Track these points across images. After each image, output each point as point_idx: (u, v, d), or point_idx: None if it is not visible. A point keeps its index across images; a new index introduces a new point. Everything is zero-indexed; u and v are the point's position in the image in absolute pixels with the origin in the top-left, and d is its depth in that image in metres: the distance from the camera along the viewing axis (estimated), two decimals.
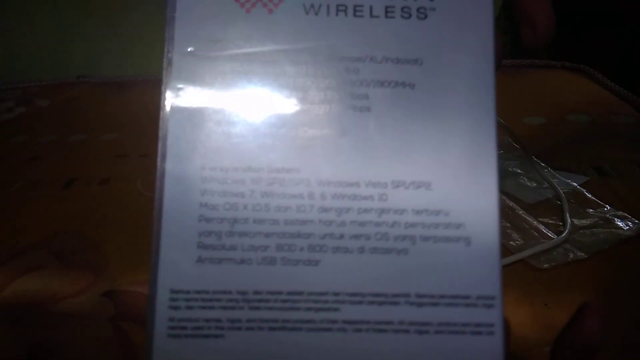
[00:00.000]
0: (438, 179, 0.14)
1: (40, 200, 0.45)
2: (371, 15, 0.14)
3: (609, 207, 0.35)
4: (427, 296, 0.13)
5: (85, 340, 0.28)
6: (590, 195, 0.37)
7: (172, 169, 0.13)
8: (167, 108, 0.13)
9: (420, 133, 0.14)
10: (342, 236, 0.13)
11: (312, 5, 0.14)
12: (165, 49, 0.13)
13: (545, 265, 0.30)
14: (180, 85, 0.13)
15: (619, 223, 0.33)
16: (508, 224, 0.34)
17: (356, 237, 0.13)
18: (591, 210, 0.35)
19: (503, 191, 0.38)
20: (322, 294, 0.13)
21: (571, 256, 0.31)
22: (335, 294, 0.13)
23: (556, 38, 0.22)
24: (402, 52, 0.14)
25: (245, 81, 0.14)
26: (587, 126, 0.51)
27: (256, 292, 0.13)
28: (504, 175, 0.41)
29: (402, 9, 0.14)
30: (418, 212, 0.13)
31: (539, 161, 0.41)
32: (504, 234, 0.33)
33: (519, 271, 0.30)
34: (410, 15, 0.14)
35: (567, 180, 0.39)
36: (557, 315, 0.27)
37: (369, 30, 0.14)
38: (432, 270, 0.13)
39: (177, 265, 0.14)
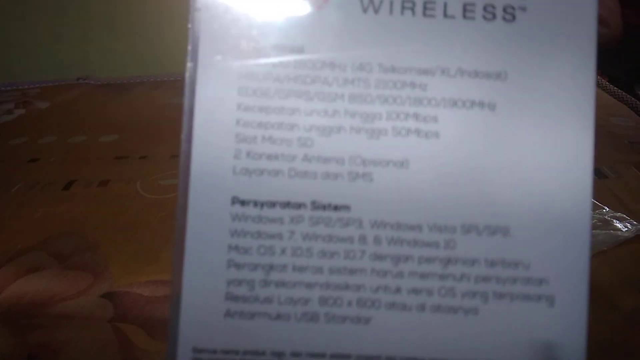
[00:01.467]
0: (518, 224, 0.11)
1: (39, 202, 0.45)
2: (445, 15, 0.11)
3: (607, 209, 0.35)
4: None
5: (85, 341, 0.28)
6: None
7: (195, 202, 0.11)
8: (192, 127, 0.11)
9: (499, 166, 0.11)
10: (398, 290, 0.11)
11: (371, 0, 0.11)
12: (189, 53, 0.11)
13: None
14: (205, 102, 0.11)
15: (618, 224, 0.33)
16: None
17: (416, 291, 0.11)
18: None
19: None
20: (373, 357, 0.11)
21: None
22: (389, 359, 0.11)
23: None
24: (482, 64, 0.11)
25: (284, 97, 0.11)
26: None
27: (294, 354, 0.11)
28: None
29: (485, 7, 0.11)
30: (492, 264, 0.11)
31: None
32: None
33: None
34: (494, 16, 0.11)
35: None
36: None
37: (441, 35, 0.11)
38: (507, 334, 0.11)
39: (201, 320, 0.11)
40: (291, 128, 0.11)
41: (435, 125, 0.11)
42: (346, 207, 0.11)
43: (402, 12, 0.11)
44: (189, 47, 0.11)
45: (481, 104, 0.11)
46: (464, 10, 0.11)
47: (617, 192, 0.38)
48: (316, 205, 0.11)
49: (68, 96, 0.85)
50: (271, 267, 0.11)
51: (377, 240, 0.11)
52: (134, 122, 0.67)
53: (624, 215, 0.34)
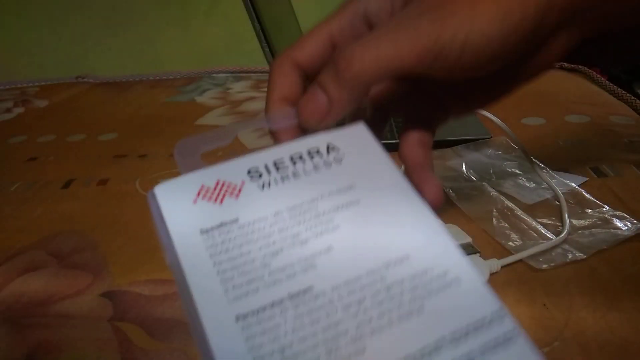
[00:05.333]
0: (411, 251, 0.17)
1: (38, 201, 0.45)
2: (305, 174, 0.19)
3: (607, 208, 0.35)
4: (458, 331, 0.15)
5: (84, 340, 0.28)
6: (588, 196, 0.37)
7: (212, 331, 0.15)
8: (189, 286, 0.16)
9: (380, 228, 0.18)
10: (371, 319, 0.16)
11: (264, 183, 0.19)
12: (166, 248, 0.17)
13: (544, 266, 0.30)
14: (193, 269, 0.17)
15: (618, 223, 0.33)
16: (507, 225, 0.34)
17: (381, 314, 0.16)
18: (590, 210, 0.35)
19: (502, 192, 0.39)
20: None
21: (570, 256, 0.31)
22: None
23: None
24: (339, 186, 0.19)
25: (239, 246, 0.17)
26: (586, 127, 0.51)
27: None
28: (503, 176, 0.41)
29: (324, 163, 0.19)
30: (413, 277, 0.16)
31: (537, 162, 0.41)
32: (502, 235, 0.33)
33: (518, 272, 0.30)
34: (330, 165, 0.19)
35: (566, 181, 0.39)
36: (555, 316, 0.27)
37: (310, 182, 0.19)
38: (449, 311, 0.16)
39: None
40: (252, 261, 0.17)
41: (334, 224, 0.18)
42: (311, 287, 0.16)
43: (283, 181, 0.19)
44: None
45: (350, 203, 0.18)
46: (314, 167, 0.19)
47: (616, 190, 0.38)
48: (292, 295, 0.16)
49: (67, 95, 0.85)
50: (283, 348, 0.15)
51: (340, 297, 0.16)
52: (133, 120, 0.67)
53: (624, 214, 0.34)
